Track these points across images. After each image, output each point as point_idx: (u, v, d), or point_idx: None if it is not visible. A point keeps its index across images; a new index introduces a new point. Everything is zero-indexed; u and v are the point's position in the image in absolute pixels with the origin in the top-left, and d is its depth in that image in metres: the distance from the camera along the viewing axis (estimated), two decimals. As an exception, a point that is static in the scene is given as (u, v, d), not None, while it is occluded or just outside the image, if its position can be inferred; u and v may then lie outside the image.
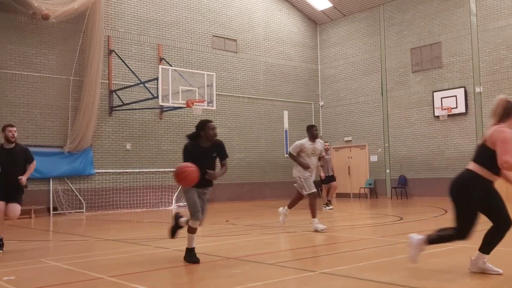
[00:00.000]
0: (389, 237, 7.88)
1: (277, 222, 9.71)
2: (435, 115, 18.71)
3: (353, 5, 21.46)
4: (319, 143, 9.17)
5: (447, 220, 10.61)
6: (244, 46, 20.60)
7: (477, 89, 17.78)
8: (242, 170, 19.84)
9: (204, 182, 5.83)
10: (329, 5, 21.69)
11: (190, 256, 5.85)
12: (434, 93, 18.80)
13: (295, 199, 9.34)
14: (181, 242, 7.75)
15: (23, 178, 7.30)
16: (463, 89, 18.08)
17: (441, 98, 18.47)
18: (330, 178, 14.62)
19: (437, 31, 19.11)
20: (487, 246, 4.72)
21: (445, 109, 18.23)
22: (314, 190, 8.86)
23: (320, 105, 22.85)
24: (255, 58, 20.89)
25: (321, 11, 22.24)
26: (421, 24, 19.59)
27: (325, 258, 6.20)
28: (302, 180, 8.88)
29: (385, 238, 7.80)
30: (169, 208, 16.91)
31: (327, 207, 13.91)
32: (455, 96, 18.16)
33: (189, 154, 5.84)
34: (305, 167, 8.86)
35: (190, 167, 5.51)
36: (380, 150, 20.68)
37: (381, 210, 14.53)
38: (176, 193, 17.39)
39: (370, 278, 4.80)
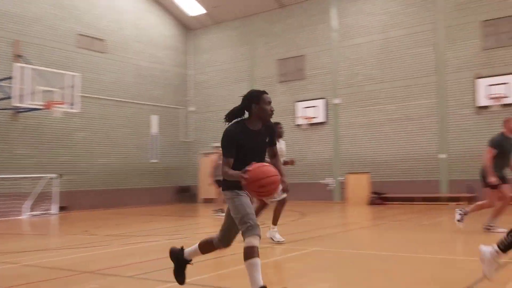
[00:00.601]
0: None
1: (140, 231, 9.45)
2: (298, 123, 19.78)
3: (226, 14, 21.84)
4: (282, 143, 8.36)
5: (305, 223, 11.26)
6: (113, 46, 19.84)
7: (335, 101, 19.16)
8: (105, 176, 19.01)
9: None
10: (203, 11, 21.83)
11: None
12: (297, 103, 19.86)
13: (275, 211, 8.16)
14: (35, 256, 7.19)
15: None
16: (323, 100, 19.36)
17: (303, 108, 19.58)
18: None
19: (302, 44, 20.23)
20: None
21: (306, 119, 19.37)
22: (285, 195, 8.06)
23: (190, 110, 22.85)
24: (125, 59, 20.23)
25: (193, 16, 22.29)
26: (288, 37, 20.59)
27: (188, 268, 6.17)
28: None
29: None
30: (20, 217, 15.48)
31: (221, 213, 12.89)
32: (316, 106, 19.38)
33: (237, 142, 4.07)
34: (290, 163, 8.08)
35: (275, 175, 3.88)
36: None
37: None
38: (29, 201, 16.00)
39: (228, 285, 4.89)
